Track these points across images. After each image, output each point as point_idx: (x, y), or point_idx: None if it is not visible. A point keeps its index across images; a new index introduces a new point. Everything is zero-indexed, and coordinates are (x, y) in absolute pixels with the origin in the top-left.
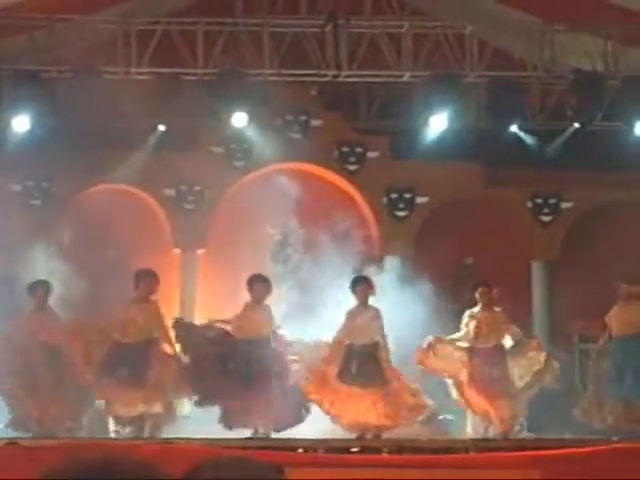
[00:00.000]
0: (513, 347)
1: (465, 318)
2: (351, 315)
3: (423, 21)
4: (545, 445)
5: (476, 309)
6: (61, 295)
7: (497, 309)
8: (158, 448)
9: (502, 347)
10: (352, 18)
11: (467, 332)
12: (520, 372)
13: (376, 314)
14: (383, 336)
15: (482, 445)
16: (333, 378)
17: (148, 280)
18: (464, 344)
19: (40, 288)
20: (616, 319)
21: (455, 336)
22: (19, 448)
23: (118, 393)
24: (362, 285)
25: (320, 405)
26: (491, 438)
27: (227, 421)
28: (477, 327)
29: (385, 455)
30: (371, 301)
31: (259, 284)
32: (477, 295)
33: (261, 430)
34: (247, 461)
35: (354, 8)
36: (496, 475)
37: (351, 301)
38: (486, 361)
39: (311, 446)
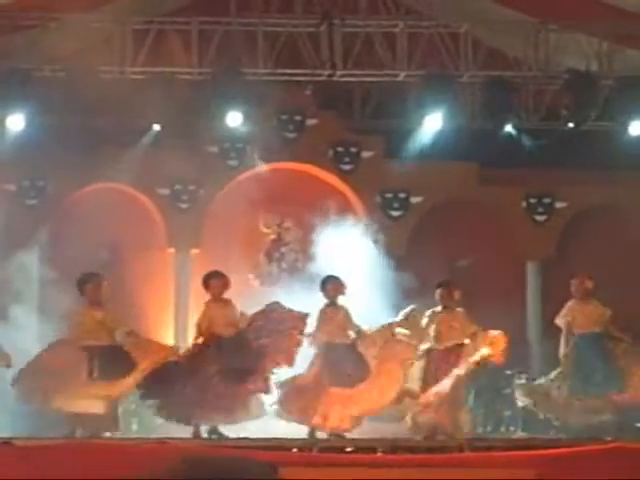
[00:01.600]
0: None
1: (425, 319)
2: (325, 314)
3: (418, 20)
4: (540, 444)
5: (437, 309)
6: (55, 294)
7: (459, 310)
8: (154, 447)
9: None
10: (347, 17)
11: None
12: None
13: (347, 312)
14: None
15: (477, 444)
16: (320, 382)
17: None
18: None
19: None
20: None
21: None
22: (13, 448)
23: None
24: (332, 284)
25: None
26: (486, 437)
27: (166, 412)
28: (436, 329)
29: (379, 454)
30: (342, 300)
31: (213, 280)
32: (437, 296)
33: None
34: (243, 460)
35: (349, 7)
36: (491, 474)
37: (348, 299)
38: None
39: (305, 445)
